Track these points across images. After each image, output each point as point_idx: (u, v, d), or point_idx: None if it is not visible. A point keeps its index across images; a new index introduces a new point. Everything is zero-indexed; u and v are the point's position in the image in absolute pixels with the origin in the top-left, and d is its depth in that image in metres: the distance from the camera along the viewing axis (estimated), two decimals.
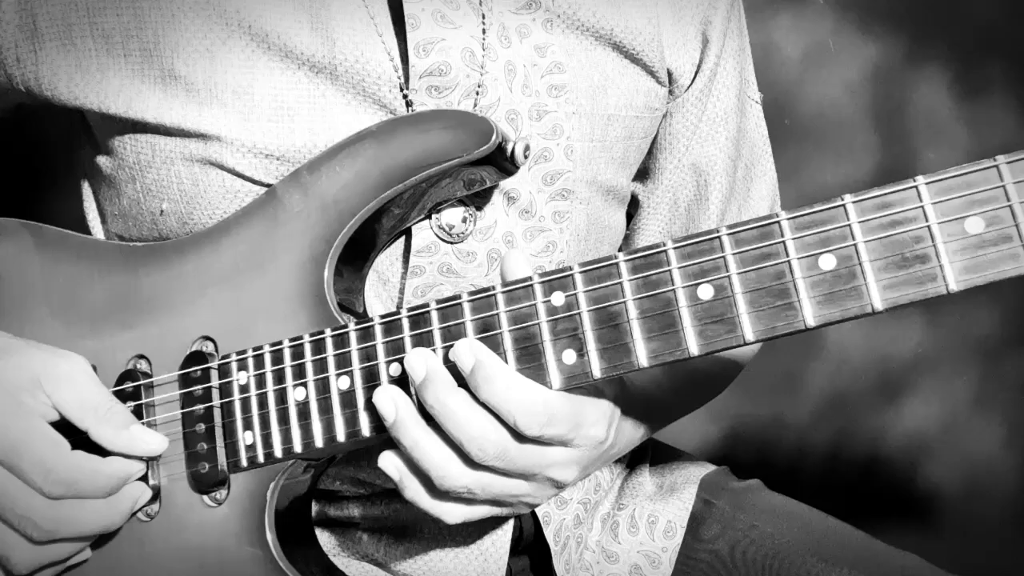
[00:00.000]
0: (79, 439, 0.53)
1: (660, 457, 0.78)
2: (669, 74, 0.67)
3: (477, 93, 0.58)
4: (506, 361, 0.48)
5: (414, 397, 0.49)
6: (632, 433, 0.62)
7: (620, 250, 0.57)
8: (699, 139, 0.70)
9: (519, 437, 0.48)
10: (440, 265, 0.60)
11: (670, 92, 0.68)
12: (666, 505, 0.71)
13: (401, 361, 0.51)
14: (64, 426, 0.54)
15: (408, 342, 0.51)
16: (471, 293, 0.50)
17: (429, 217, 0.59)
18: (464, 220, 0.59)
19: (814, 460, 1.37)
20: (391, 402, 0.48)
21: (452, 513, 0.50)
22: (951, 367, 1.40)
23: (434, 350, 0.49)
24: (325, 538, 0.64)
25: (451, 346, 0.49)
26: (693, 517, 0.70)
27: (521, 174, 0.61)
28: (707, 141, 0.70)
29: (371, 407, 0.51)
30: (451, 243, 0.59)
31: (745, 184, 0.73)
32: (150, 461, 0.56)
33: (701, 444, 1.25)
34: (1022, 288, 1.28)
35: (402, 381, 0.51)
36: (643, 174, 0.73)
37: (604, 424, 0.50)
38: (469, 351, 0.47)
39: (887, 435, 1.40)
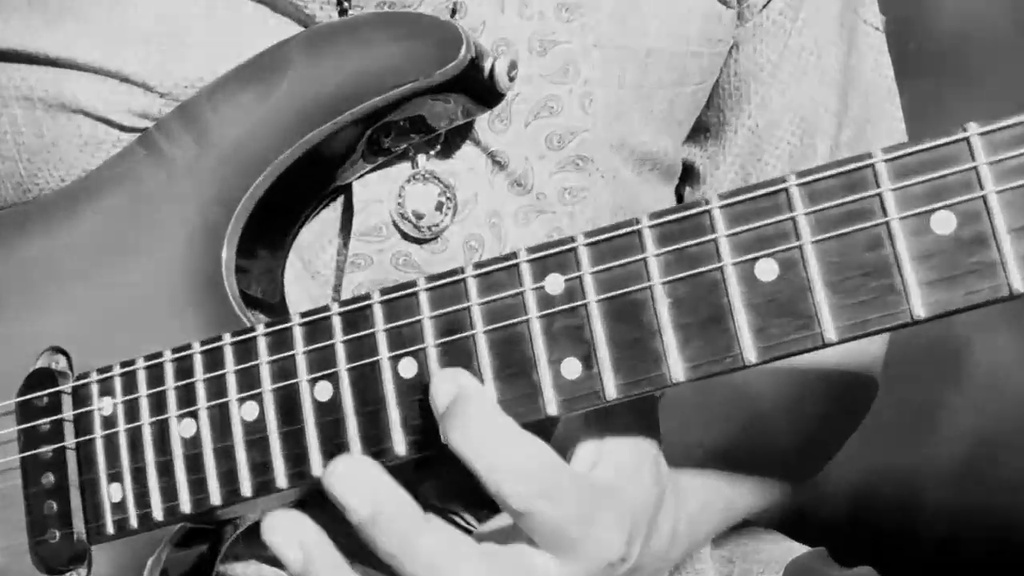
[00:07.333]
0: None
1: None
2: None
3: (453, 11, 0.59)
4: (480, 377, 0.49)
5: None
6: (706, 510, 0.60)
7: None
8: (780, 84, 0.71)
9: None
10: (395, 255, 0.60)
11: (738, 15, 0.69)
12: None
13: (331, 378, 0.51)
14: None
15: (341, 350, 0.51)
16: (431, 278, 0.50)
17: (380, 161, 0.59)
18: (440, 207, 0.60)
19: (952, 531, 1.35)
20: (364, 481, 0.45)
21: None
22: None
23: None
24: None
25: (407, 352, 0.50)
26: None
27: (515, 131, 0.61)
28: (791, 86, 0.71)
29: (288, 444, 0.52)
30: (419, 241, 0.60)
31: (851, 148, 0.74)
32: None
33: (785, 509, 1.23)
34: None
35: (331, 407, 0.51)
36: (700, 134, 0.73)
37: (642, 513, 0.49)
38: (452, 379, 0.47)
39: None
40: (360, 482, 0.45)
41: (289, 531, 0.46)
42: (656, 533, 0.52)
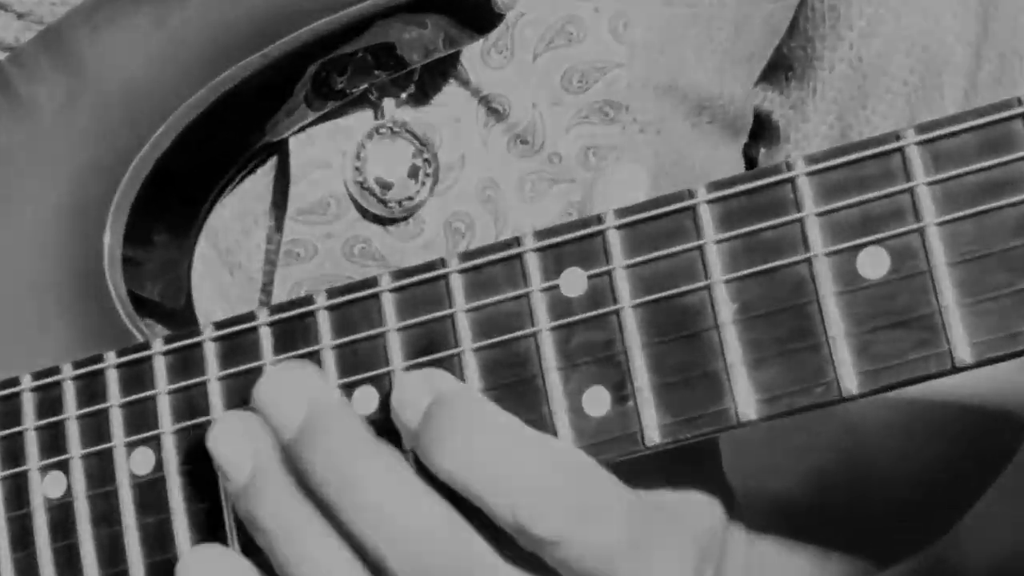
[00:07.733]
0: None
1: None
2: None
3: None
4: None
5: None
6: (789, 564, 0.61)
7: None
8: (892, 2, 0.71)
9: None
10: (349, 241, 0.61)
11: None
12: None
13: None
14: None
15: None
16: (399, 275, 0.48)
17: (330, 108, 0.59)
18: (414, 173, 0.59)
19: None
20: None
21: None
22: None
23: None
24: None
25: (366, 379, 0.48)
26: None
27: (518, 66, 0.62)
28: (909, 4, 0.71)
29: (196, 506, 0.50)
30: (384, 221, 0.60)
31: (993, 91, 0.73)
32: None
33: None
34: None
35: None
36: (779, 74, 0.74)
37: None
38: (425, 381, 0.46)
39: None
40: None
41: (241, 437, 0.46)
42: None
